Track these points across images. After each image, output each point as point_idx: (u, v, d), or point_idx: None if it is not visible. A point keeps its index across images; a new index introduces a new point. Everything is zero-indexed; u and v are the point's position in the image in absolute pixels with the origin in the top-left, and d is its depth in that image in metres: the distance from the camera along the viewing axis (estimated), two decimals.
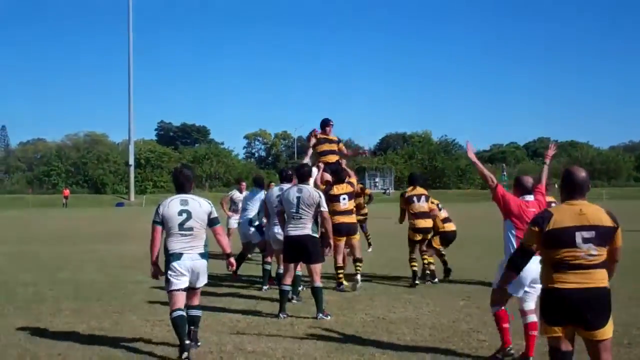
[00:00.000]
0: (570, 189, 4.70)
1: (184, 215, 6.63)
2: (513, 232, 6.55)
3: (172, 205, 6.70)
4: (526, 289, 6.47)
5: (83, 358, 6.52)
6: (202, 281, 6.80)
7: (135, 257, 15.54)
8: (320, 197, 8.57)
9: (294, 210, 8.48)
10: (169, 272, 6.60)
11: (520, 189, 6.90)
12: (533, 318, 6.43)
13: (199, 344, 6.85)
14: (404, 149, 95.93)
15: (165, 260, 6.70)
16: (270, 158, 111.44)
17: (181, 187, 6.88)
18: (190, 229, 6.63)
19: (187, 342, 6.45)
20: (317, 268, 8.55)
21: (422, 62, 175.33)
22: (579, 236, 4.50)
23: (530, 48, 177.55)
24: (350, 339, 7.16)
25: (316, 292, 8.40)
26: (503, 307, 6.57)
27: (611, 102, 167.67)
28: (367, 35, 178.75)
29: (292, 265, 8.66)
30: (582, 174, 4.75)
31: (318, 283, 8.44)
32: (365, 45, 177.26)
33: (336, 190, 10.75)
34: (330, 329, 7.69)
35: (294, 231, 8.50)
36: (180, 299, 6.58)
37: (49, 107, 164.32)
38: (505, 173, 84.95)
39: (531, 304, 6.55)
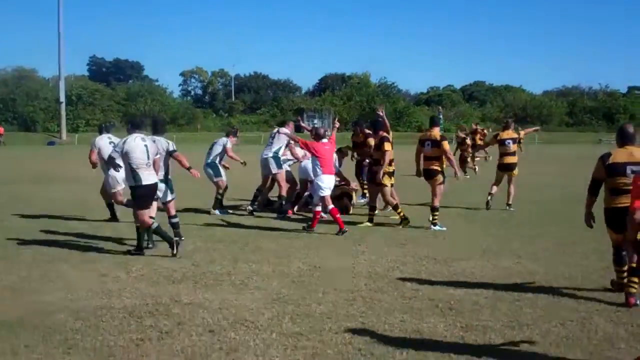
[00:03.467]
0: (624, 139, 6.89)
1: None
2: (317, 162, 10.99)
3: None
4: (322, 194, 10.94)
5: (13, 309, 6.36)
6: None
7: (66, 201, 15.18)
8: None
9: (147, 160, 8.99)
10: None
11: (317, 137, 11.39)
12: (331, 207, 10.98)
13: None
14: (342, 91, 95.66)
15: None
16: (206, 97, 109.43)
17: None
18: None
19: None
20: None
21: (362, 2, 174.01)
22: (628, 169, 6.68)
23: None
24: (287, 289, 7.20)
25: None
26: (332, 206, 11.01)
27: (545, 47, 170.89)
28: None
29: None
30: (631, 129, 6.93)
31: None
32: None
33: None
34: (267, 278, 7.71)
35: (151, 179, 9.04)
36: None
37: None
38: (441, 116, 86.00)
39: (328, 200, 10.99)
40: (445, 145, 11.41)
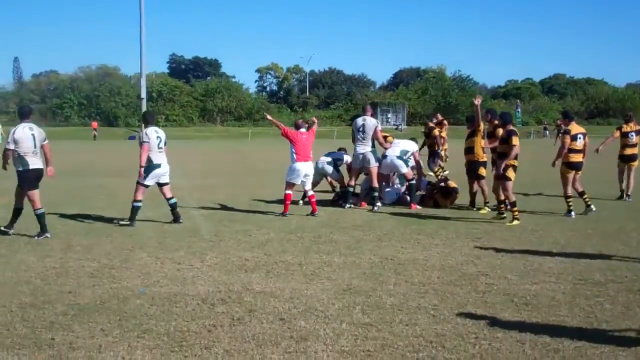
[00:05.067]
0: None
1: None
2: (293, 150, 12.30)
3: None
4: (302, 179, 12.14)
5: (93, 296, 6.56)
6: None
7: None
8: (42, 132, 10.05)
9: (35, 148, 9.81)
10: None
11: (295, 127, 12.43)
12: (311, 192, 12.35)
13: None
14: (416, 84, 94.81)
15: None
16: (281, 92, 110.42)
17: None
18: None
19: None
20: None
21: None
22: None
23: None
24: (358, 280, 7.17)
25: (40, 216, 9.86)
26: (291, 192, 12.14)
27: (629, 39, 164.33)
28: None
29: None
30: None
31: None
32: None
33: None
34: (338, 269, 7.70)
35: (39, 165, 9.89)
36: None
37: (61, 38, 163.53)
38: (519, 109, 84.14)
39: (308, 185, 12.35)
40: None
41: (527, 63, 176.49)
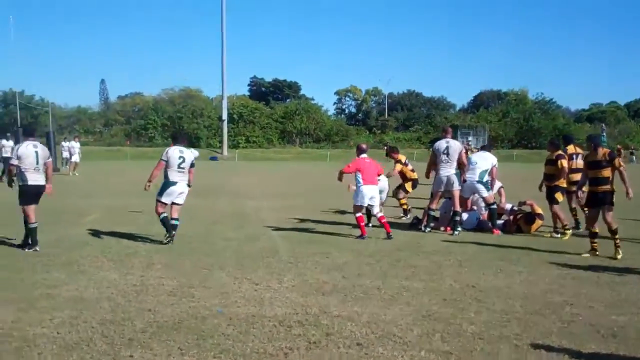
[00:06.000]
0: None
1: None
2: (359, 175, 12.00)
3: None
4: (368, 202, 12.06)
5: (172, 314, 6.64)
6: None
7: (226, 213, 15.82)
8: (46, 150, 10.63)
9: (36, 164, 10.26)
10: None
11: (359, 152, 12.47)
12: (380, 214, 12.25)
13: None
14: (497, 107, 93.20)
15: None
16: (360, 114, 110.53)
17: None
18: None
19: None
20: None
21: (520, 17, 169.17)
22: None
23: (633, 3, 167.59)
24: (438, 306, 7.01)
25: (33, 231, 10.23)
26: (362, 214, 12.23)
27: None
28: None
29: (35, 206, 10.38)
30: None
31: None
32: None
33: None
34: (417, 294, 7.55)
35: (40, 181, 10.34)
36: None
37: (147, 61, 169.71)
38: (604, 133, 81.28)
39: (376, 209, 12.27)
40: None
41: (612, 86, 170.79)
